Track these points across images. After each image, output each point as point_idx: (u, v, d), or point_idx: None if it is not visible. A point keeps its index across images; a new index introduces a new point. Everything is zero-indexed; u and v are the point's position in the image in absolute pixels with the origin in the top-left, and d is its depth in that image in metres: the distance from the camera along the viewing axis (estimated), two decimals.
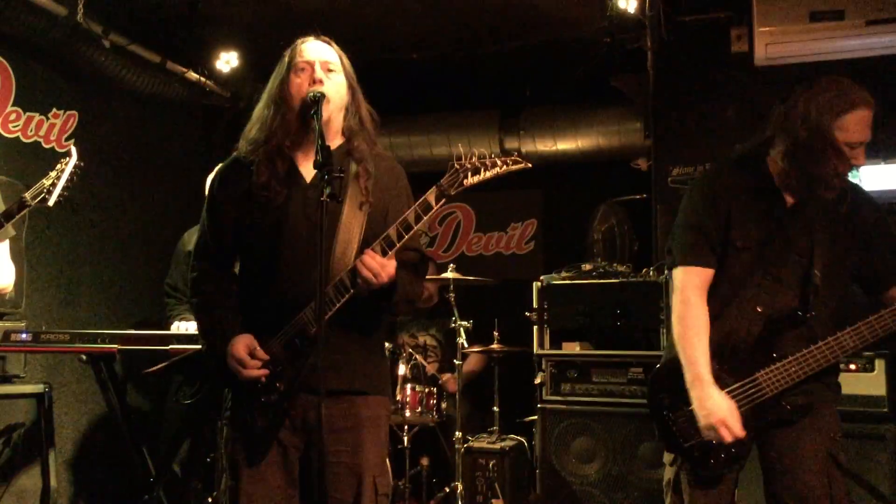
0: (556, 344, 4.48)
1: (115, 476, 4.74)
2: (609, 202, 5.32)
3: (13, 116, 4.55)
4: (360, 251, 2.28)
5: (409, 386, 4.52)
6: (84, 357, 3.85)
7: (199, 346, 2.59)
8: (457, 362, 4.63)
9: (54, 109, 4.79)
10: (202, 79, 5.32)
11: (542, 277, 4.59)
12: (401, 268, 2.31)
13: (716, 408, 2.40)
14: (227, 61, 5.25)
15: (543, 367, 4.45)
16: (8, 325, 3.78)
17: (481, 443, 4.59)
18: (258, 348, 2.30)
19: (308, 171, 2.37)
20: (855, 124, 2.40)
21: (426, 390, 4.56)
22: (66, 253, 4.86)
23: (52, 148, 4.71)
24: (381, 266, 2.21)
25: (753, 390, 2.46)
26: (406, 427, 4.56)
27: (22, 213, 3.06)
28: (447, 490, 4.51)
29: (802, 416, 2.46)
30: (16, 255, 3.45)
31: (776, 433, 2.49)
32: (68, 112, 4.87)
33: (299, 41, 2.44)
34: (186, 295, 3.99)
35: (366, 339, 2.41)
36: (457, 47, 5.28)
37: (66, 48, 4.47)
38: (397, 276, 2.27)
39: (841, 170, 2.44)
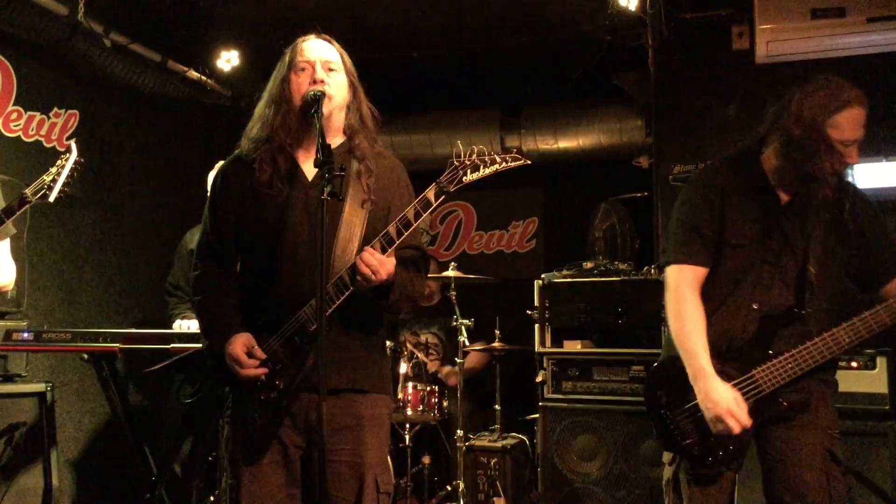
0: (557, 342, 4.48)
1: (116, 475, 4.75)
2: (610, 200, 5.32)
3: (14, 116, 4.56)
4: (361, 249, 2.28)
5: (410, 384, 4.52)
6: (86, 356, 3.85)
7: (200, 345, 2.59)
8: (458, 360, 4.63)
9: (55, 109, 4.80)
10: (203, 78, 5.32)
11: (543, 275, 4.59)
12: (401, 266, 2.32)
13: (720, 399, 2.41)
14: (228, 60, 5.25)
15: (545, 365, 4.46)
16: (10, 324, 3.78)
17: (483, 441, 4.59)
18: (256, 347, 2.31)
19: (309, 169, 2.38)
20: (848, 122, 2.43)
21: (427, 388, 4.57)
22: (68, 252, 4.86)
23: (54, 147, 4.72)
24: (380, 263, 2.21)
25: (751, 387, 2.47)
26: (408, 425, 4.56)
27: (23, 209, 3.05)
28: (449, 488, 4.51)
29: (799, 413, 2.47)
30: (17, 254, 3.44)
31: (774, 431, 2.50)
32: (69, 111, 4.87)
33: (300, 40, 2.44)
34: (188, 294, 3.99)
35: (367, 337, 2.41)
36: (457, 46, 5.27)
37: (67, 47, 4.47)
38: (397, 273, 2.28)
39: (834, 167, 2.45)
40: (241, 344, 2.30)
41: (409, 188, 2.51)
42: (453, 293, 4.77)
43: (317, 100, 2.28)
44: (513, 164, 2.23)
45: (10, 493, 3.67)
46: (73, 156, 3.09)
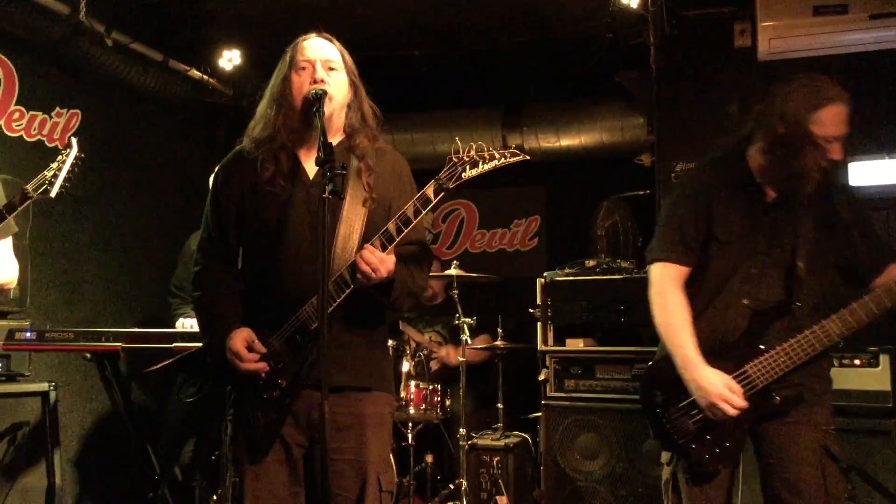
0: (559, 340, 4.47)
1: (119, 474, 4.75)
2: (612, 198, 5.31)
3: (16, 115, 4.56)
4: (361, 246, 2.28)
5: (413, 383, 4.53)
6: (88, 355, 3.85)
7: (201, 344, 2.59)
8: (461, 359, 4.62)
9: (57, 108, 4.80)
10: (205, 77, 5.33)
11: (545, 274, 4.59)
12: (402, 262, 2.32)
13: (711, 385, 2.45)
14: (230, 59, 5.25)
15: (547, 363, 4.45)
16: (12, 323, 3.78)
17: (485, 440, 4.58)
18: (256, 341, 2.31)
19: (311, 167, 2.38)
20: (830, 119, 2.45)
21: (430, 387, 4.57)
22: (70, 251, 4.87)
23: (56, 147, 4.72)
24: (380, 261, 2.21)
25: (744, 383, 2.49)
26: (410, 424, 4.56)
27: (24, 205, 3.05)
28: (451, 487, 4.51)
29: (793, 407, 2.48)
30: (20, 254, 3.44)
31: (770, 428, 2.52)
32: (71, 111, 4.87)
33: (301, 38, 2.44)
34: (191, 295, 3.99)
35: (368, 335, 2.41)
36: (459, 44, 5.28)
37: (69, 47, 4.48)
38: (397, 270, 2.28)
39: (819, 164, 2.48)
40: (241, 339, 2.30)
41: (412, 184, 2.51)
42: (455, 292, 4.77)
43: (318, 99, 2.28)
44: (512, 159, 2.23)
45: (14, 493, 3.67)
46: (74, 151, 3.08)
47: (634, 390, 4.21)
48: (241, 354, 2.29)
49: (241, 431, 2.36)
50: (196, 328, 3.73)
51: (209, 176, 4.07)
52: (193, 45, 5.21)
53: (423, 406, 4.51)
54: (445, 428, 4.91)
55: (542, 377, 4.45)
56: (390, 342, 4.29)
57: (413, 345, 4.85)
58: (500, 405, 4.71)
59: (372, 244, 2.24)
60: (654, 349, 4.22)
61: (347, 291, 2.25)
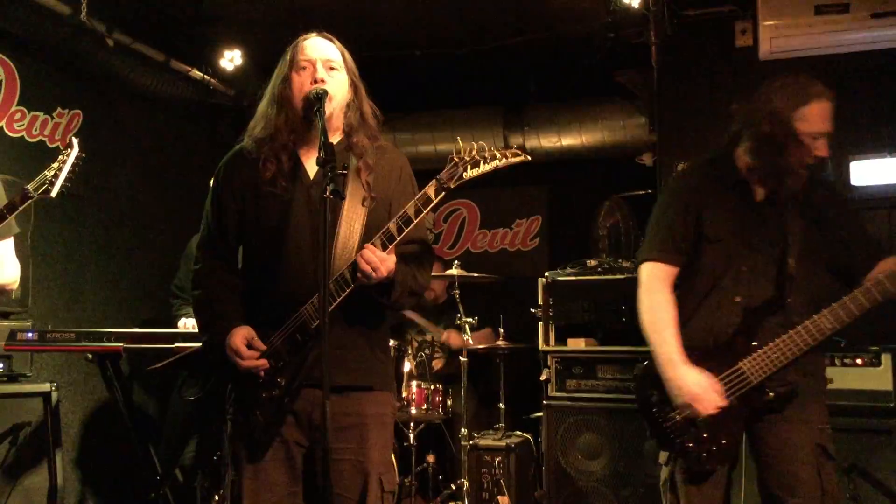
0: (561, 340, 4.47)
1: (121, 474, 4.76)
2: (614, 198, 5.31)
3: (18, 116, 4.57)
4: (362, 245, 2.28)
5: (414, 383, 4.52)
6: (90, 356, 3.86)
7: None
8: (462, 359, 4.62)
9: (59, 108, 4.80)
10: (206, 77, 5.32)
11: (547, 273, 4.58)
12: (403, 261, 2.31)
13: (686, 384, 2.49)
14: (231, 59, 5.25)
15: (549, 363, 4.45)
16: (14, 324, 3.79)
17: (487, 440, 4.58)
18: (256, 339, 2.30)
19: (311, 167, 2.38)
20: (815, 115, 2.49)
21: (432, 387, 4.57)
22: (72, 252, 4.87)
23: (57, 147, 4.72)
24: (380, 260, 2.21)
25: (738, 380, 2.51)
26: (412, 424, 4.56)
27: (25, 205, 3.04)
28: (453, 487, 4.51)
29: (786, 403, 2.50)
30: (22, 254, 3.44)
31: (765, 427, 2.54)
32: (73, 111, 4.88)
33: (301, 38, 2.44)
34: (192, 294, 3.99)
35: (370, 335, 2.40)
36: (460, 44, 5.27)
37: (70, 47, 4.48)
38: (398, 270, 2.28)
39: (805, 161, 2.51)
40: (240, 336, 2.30)
41: (412, 182, 2.50)
42: (457, 292, 4.77)
43: (319, 99, 2.28)
44: (513, 159, 2.22)
45: (16, 493, 3.67)
46: (75, 151, 3.08)
47: None
48: (241, 352, 2.29)
49: (240, 430, 2.36)
50: (197, 328, 3.73)
51: (211, 177, 4.08)
52: (195, 45, 5.21)
53: (425, 406, 4.51)
54: (447, 428, 4.91)
55: (543, 377, 4.45)
56: (392, 342, 4.30)
57: (415, 345, 4.85)
58: (501, 405, 4.71)
59: (373, 244, 2.24)
60: None
61: (348, 291, 2.25)
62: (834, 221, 2.62)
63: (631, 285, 4.24)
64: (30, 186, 3.04)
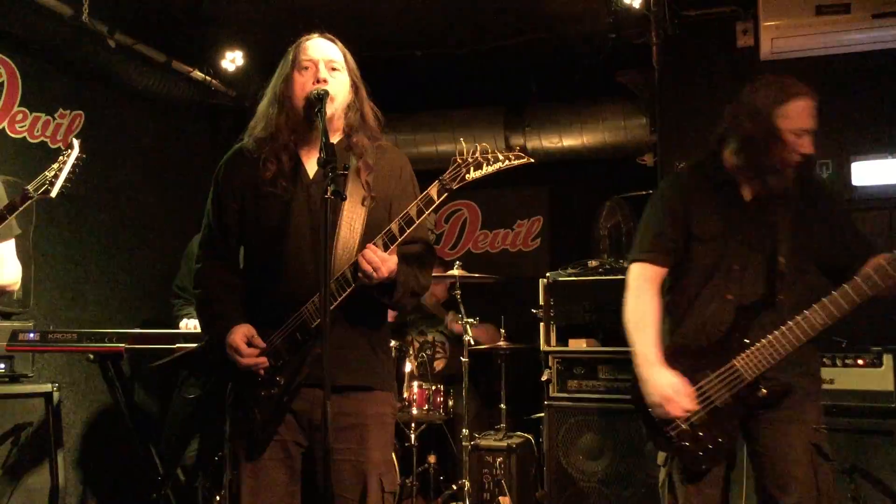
0: (562, 341, 4.47)
1: (123, 475, 4.76)
2: (615, 198, 5.31)
3: (20, 117, 4.57)
4: (362, 245, 2.29)
5: (416, 384, 4.53)
6: (91, 356, 3.86)
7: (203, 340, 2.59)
8: (464, 359, 4.62)
9: (60, 109, 4.81)
10: (207, 78, 5.33)
11: (548, 274, 4.59)
12: (405, 262, 2.31)
13: (658, 385, 2.52)
14: (233, 60, 5.25)
15: (550, 364, 4.45)
16: (16, 324, 3.79)
17: (488, 440, 4.59)
18: (256, 336, 2.31)
19: (312, 167, 2.38)
20: (796, 112, 2.52)
21: (433, 388, 4.57)
22: (73, 253, 4.87)
23: (59, 148, 4.72)
24: (382, 261, 2.21)
25: (733, 377, 2.53)
26: (413, 425, 4.56)
27: (25, 205, 3.04)
28: (455, 487, 4.51)
29: (781, 399, 2.52)
30: (23, 255, 3.45)
31: (761, 428, 2.56)
32: (74, 112, 4.88)
33: (303, 38, 2.44)
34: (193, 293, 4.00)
35: (370, 335, 2.40)
36: (461, 44, 5.27)
37: (72, 48, 4.49)
38: (400, 270, 2.28)
39: (790, 158, 2.54)
40: (241, 334, 2.30)
41: (413, 181, 2.51)
42: (458, 292, 4.77)
43: (320, 99, 2.28)
44: (516, 161, 2.23)
45: (17, 493, 3.68)
46: (76, 151, 3.08)
47: None
48: (241, 349, 2.29)
49: (239, 429, 2.36)
50: (199, 329, 3.74)
51: (212, 177, 4.09)
52: (196, 46, 5.21)
53: (427, 407, 4.51)
54: (448, 428, 4.91)
55: (544, 378, 4.45)
56: (393, 343, 4.30)
57: (416, 345, 4.85)
58: (502, 406, 4.71)
59: (374, 244, 2.24)
60: None
61: (349, 290, 2.25)
62: (825, 220, 2.64)
63: None
64: (30, 187, 3.04)
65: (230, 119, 5.86)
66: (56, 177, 3.05)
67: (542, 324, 4.50)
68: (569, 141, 5.76)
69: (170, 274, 4.72)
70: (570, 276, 4.53)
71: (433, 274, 2.59)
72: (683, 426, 2.54)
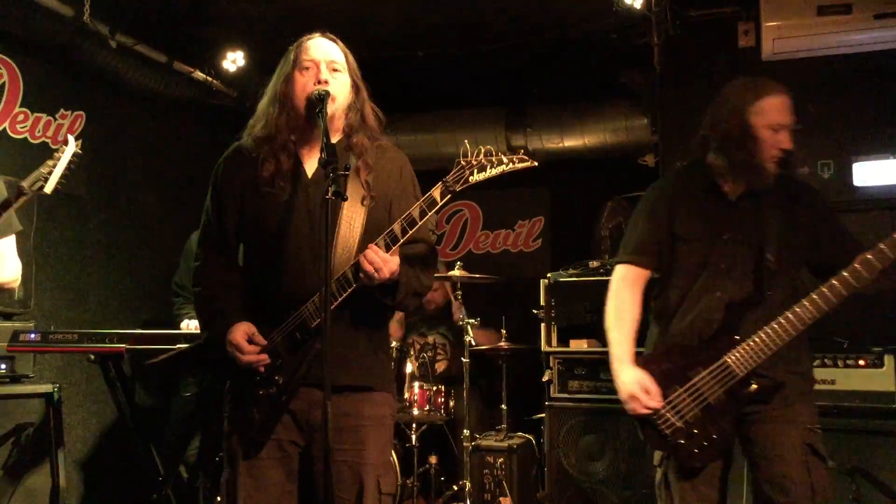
0: (563, 341, 4.47)
1: (123, 475, 4.75)
2: (616, 199, 5.31)
3: (21, 117, 4.57)
4: (362, 244, 2.28)
5: (416, 384, 4.52)
6: (92, 357, 3.86)
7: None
8: (464, 360, 4.62)
9: (62, 110, 4.81)
10: (209, 78, 5.32)
11: (549, 275, 4.58)
12: (407, 263, 2.31)
13: (624, 383, 2.62)
14: (234, 60, 5.25)
15: (551, 364, 4.45)
16: (17, 325, 3.79)
17: (489, 441, 4.58)
18: (256, 334, 2.30)
19: (311, 167, 2.38)
20: (770, 107, 2.58)
21: (434, 388, 4.56)
22: (74, 253, 4.87)
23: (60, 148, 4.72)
24: (383, 261, 2.21)
25: (724, 373, 2.55)
26: (414, 425, 4.56)
27: (20, 201, 3.03)
28: (455, 488, 4.51)
29: (772, 395, 2.54)
30: (24, 255, 3.45)
31: (755, 429, 2.58)
32: (75, 112, 4.89)
33: (305, 38, 2.44)
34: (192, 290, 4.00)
35: (370, 335, 2.40)
36: (463, 45, 5.27)
37: (73, 49, 4.48)
38: (403, 272, 2.27)
39: (769, 154, 2.58)
40: (241, 331, 2.30)
41: (413, 181, 2.51)
42: (459, 293, 4.77)
43: (321, 99, 2.28)
44: (520, 165, 2.23)
45: (18, 494, 3.67)
46: (71, 147, 3.07)
47: None
48: (242, 346, 2.28)
49: (236, 427, 2.36)
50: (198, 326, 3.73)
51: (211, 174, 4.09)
52: (197, 46, 5.21)
53: (427, 407, 4.51)
54: (449, 429, 4.90)
55: (545, 378, 4.45)
56: (393, 343, 4.30)
57: (417, 347, 4.85)
58: (503, 406, 4.70)
59: (376, 244, 2.24)
60: None
61: (349, 290, 2.25)
62: (812, 219, 2.67)
63: None
64: (25, 183, 3.03)
65: (231, 119, 5.82)
66: (51, 173, 3.04)
67: (543, 324, 4.50)
68: (570, 141, 5.75)
69: (171, 274, 4.72)
70: (571, 276, 4.54)
71: (436, 275, 2.59)
72: (678, 424, 2.56)
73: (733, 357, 2.54)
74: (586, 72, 5.49)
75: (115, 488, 4.86)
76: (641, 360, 2.70)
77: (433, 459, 4.67)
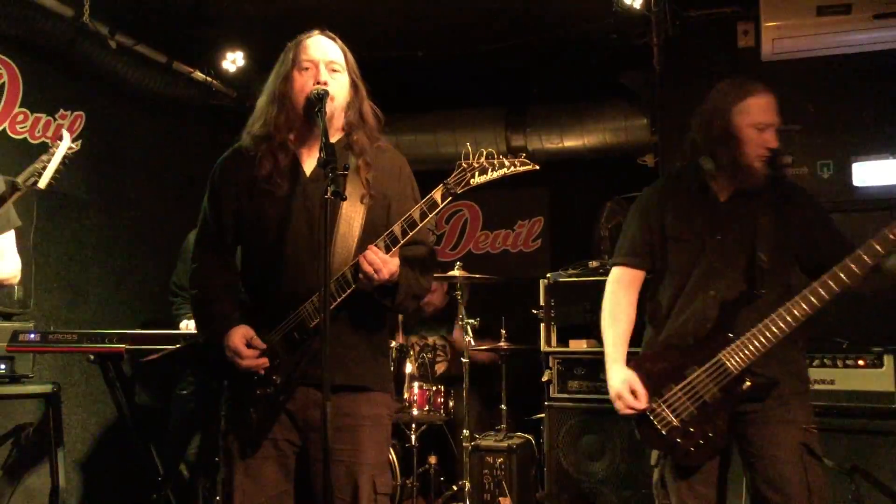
0: (563, 341, 4.47)
1: (123, 475, 4.75)
2: (616, 199, 5.30)
3: (21, 117, 4.57)
4: (361, 244, 2.28)
5: (416, 384, 4.52)
6: (92, 357, 3.86)
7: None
8: (464, 360, 4.62)
9: (61, 110, 4.81)
10: (208, 79, 5.33)
11: (548, 275, 4.58)
12: (406, 264, 2.31)
13: (614, 382, 2.66)
14: (234, 61, 5.25)
15: (550, 364, 4.45)
16: (16, 325, 3.79)
17: (489, 441, 4.58)
18: (255, 337, 2.30)
19: (309, 166, 2.38)
20: (755, 106, 2.63)
21: (434, 389, 4.56)
22: (74, 253, 4.87)
23: None
24: (383, 262, 2.21)
25: (719, 371, 2.56)
26: (414, 425, 4.56)
27: (14, 197, 3.03)
28: (455, 488, 4.50)
29: (766, 393, 2.55)
30: (24, 255, 3.45)
31: (751, 430, 2.59)
32: (75, 113, 4.89)
33: (304, 36, 2.43)
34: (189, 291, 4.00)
35: (368, 335, 2.40)
36: (462, 45, 5.27)
37: (73, 49, 4.49)
38: (402, 273, 2.27)
39: (756, 153, 2.61)
40: (240, 336, 2.30)
41: (412, 182, 2.51)
42: (459, 293, 4.77)
43: (320, 99, 2.27)
44: (521, 168, 2.24)
45: (17, 494, 3.67)
46: (66, 142, 3.07)
47: None
48: (241, 351, 2.28)
49: (233, 427, 2.36)
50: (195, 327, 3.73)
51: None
52: (197, 46, 5.21)
53: (427, 407, 4.50)
54: (449, 429, 4.90)
55: (545, 378, 4.45)
56: (393, 344, 4.30)
57: (417, 347, 4.85)
58: (503, 406, 4.70)
59: (376, 245, 2.23)
60: None
61: (349, 291, 2.25)
62: (803, 219, 2.69)
63: None
64: (19, 179, 3.04)
65: (231, 119, 5.83)
66: (45, 168, 3.04)
67: (542, 324, 4.51)
68: (570, 141, 5.75)
69: (170, 274, 4.72)
70: (570, 276, 4.54)
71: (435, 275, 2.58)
72: (674, 422, 2.57)
73: (727, 355, 2.55)
74: (586, 72, 5.49)
75: (115, 488, 4.86)
76: (636, 359, 2.72)
77: (433, 459, 4.67)
